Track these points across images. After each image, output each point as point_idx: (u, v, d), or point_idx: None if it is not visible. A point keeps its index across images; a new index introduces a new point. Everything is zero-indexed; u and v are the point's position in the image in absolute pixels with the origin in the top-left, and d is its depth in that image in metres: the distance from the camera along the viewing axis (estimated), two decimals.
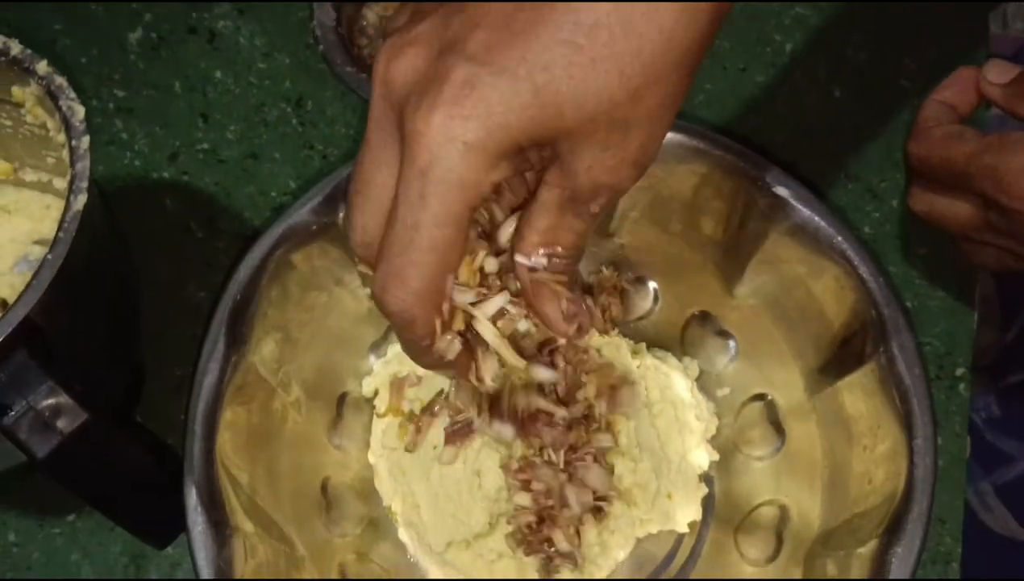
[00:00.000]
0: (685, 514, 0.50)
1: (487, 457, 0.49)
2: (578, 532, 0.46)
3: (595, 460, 0.46)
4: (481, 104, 0.30)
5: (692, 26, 0.30)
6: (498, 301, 0.35)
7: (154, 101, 0.61)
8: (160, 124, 0.61)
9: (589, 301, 0.37)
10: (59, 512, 0.53)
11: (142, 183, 0.60)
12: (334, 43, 0.60)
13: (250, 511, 0.46)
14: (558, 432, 0.42)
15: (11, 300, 0.39)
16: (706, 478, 0.51)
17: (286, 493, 0.49)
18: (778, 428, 0.51)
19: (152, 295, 0.55)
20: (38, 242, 0.52)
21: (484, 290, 0.35)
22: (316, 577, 0.48)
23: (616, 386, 0.44)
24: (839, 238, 0.46)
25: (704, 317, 0.53)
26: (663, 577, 0.50)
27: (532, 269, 0.34)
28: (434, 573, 0.50)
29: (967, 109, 0.48)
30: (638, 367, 0.51)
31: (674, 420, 0.51)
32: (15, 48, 0.44)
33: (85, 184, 0.41)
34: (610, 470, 0.47)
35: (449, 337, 0.35)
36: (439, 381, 0.50)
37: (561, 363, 0.41)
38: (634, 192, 0.37)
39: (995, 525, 0.64)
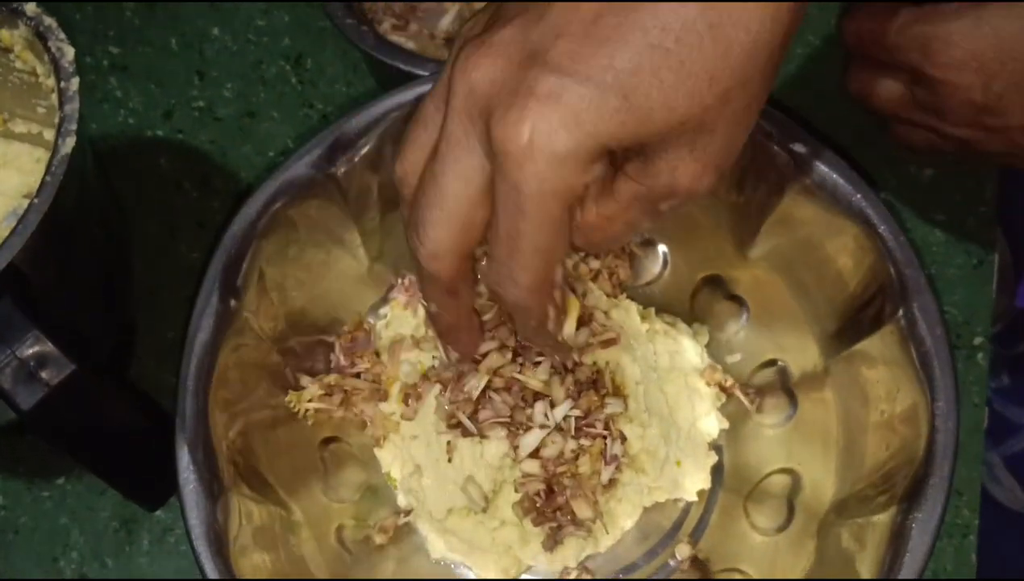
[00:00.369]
0: (694, 482, 0.48)
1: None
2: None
3: (606, 426, 0.45)
4: (569, 114, 0.30)
5: (776, 26, 0.30)
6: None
7: (149, 58, 0.60)
8: (155, 82, 0.59)
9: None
10: (48, 475, 0.51)
11: (136, 141, 0.58)
12: None
13: (245, 473, 0.44)
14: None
15: None
16: (715, 446, 0.50)
17: (283, 457, 0.47)
18: (790, 395, 0.50)
19: (144, 255, 0.54)
20: (28, 196, 0.50)
21: None
22: (313, 542, 0.46)
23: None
24: (858, 196, 0.45)
25: (715, 281, 0.52)
26: (670, 545, 0.49)
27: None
28: (433, 540, 0.49)
29: None
30: (647, 331, 0.49)
31: (684, 387, 0.49)
32: None
33: (74, 126, 0.40)
34: (620, 436, 0.46)
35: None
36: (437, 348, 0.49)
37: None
38: None
39: (1003, 497, 0.62)
